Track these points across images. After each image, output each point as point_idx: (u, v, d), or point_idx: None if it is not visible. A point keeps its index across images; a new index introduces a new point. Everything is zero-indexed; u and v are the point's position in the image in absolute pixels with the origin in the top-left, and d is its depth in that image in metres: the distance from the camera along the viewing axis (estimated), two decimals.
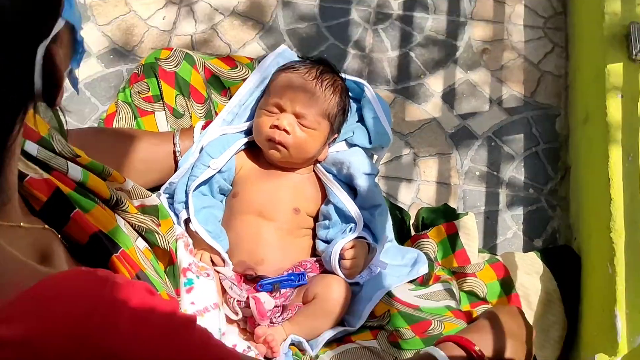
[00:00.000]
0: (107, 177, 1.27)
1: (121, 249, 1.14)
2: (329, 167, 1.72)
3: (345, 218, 1.66)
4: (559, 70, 2.29)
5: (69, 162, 1.19)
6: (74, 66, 0.94)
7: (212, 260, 1.60)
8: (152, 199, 1.39)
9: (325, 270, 1.65)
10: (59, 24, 0.85)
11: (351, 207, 1.65)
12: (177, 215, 1.64)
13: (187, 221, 1.63)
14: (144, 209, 1.35)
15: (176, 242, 1.45)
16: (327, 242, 1.66)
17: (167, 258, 1.34)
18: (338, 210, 1.66)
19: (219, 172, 1.68)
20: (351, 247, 1.61)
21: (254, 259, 1.61)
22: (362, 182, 1.67)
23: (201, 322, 1.34)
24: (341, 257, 1.61)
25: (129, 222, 1.25)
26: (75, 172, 1.19)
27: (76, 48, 0.93)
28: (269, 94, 1.69)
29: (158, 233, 1.30)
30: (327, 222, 1.66)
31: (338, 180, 1.70)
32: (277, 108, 1.65)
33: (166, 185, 1.70)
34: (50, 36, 0.83)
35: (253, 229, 1.64)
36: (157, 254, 1.30)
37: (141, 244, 1.25)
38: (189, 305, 1.39)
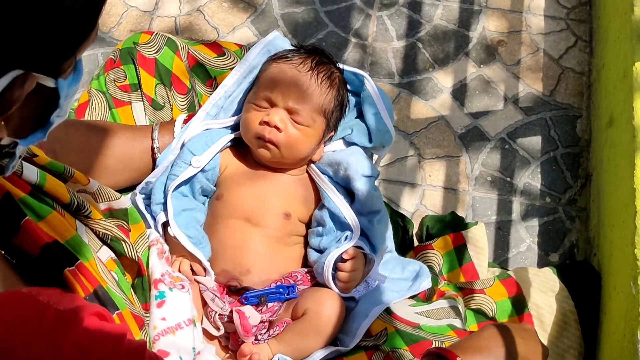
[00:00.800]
0: (68, 178, 1.25)
1: (78, 262, 1.11)
2: (324, 168, 1.70)
3: (341, 225, 1.64)
4: (582, 67, 2.28)
5: (24, 162, 1.17)
6: (23, 143, 0.89)
7: (192, 269, 1.58)
8: (122, 202, 1.37)
9: (318, 282, 1.63)
10: (48, 80, 0.83)
11: (347, 213, 1.63)
12: (154, 219, 1.63)
13: (165, 225, 1.61)
14: (111, 213, 1.33)
15: (148, 250, 1.44)
16: (320, 251, 1.65)
17: (136, 269, 1.33)
18: (333, 216, 1.64)
19: (202, 171, 1.67)
20: (350, 259, 1.59)
21: (239, 269, 1.60)
22: (360, 186, 1.66)
23: (173, 340, 1.32)
24: (336, 268, 1.59)
25: (92, 230, 1.23)
26: (31, 173, 1.17)
27: (40, 123, 0.89)
28: (258, 86, 1.67)
29: (125, 241, 1.28)
30: (320, 228, 1.65)
31: (334, 182, 1.68)
32: (267, 102, 1.64)
33: (142, 184, 1.69)
34: (32, 73, 0.80)
35: (238, 235, 1.62)
36: (124, 264, 1.28)
37: (105, 254, 1.24)
38: (159, 321, 1.37)
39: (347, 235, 1.63)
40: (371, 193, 1.67)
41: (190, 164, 1.65)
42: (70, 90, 0.89)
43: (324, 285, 1.61)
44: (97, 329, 0.83)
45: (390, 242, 1.72)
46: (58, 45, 0.81)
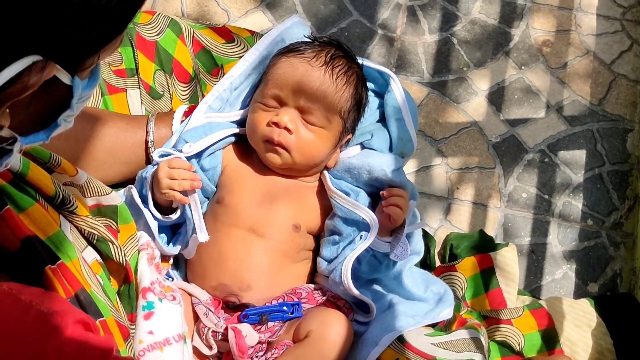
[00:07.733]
0: (54, 168, 1.26)
1: (59, 261, 1.12)
2: (341, 174, 1.71)
3: (357, 227, 1.65)
4: (637, 74, 2.27)
5: None
6: (23, 140, 0.92)
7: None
8: (111, 198, 1.37)
9: (324, 301, 1.64)
10: (65, 75, 0.87)
11: (364, 213, 1.63)
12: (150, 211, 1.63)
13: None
14: (99, 210, 1.33)
15: (137, 254, 1.45)
16: (331, 260, 1.66)
17: (123, 274, 1.34)
18: (347, 221, 1.65)
19: (202, 170, 1.67)
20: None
21: (239, 284, 1.61)
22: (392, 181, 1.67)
23: (160, 357, 1.34)
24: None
25: (77, 227, 1.24)
26: (14, 160, 1.17)
27: (46, 123, 0.92)
28: (266, 83, 1.68)
29: (113, 243, 1.29)
30: (336, 237, 1.66)
31: (357, 186, 1.69)
32: (276, 101, 1.65)
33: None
34: (53, 62, 0.84)
35: (241, 246, 1.63)
36: (110, 269, 1.29)
37: (90, 255, 1.25)
38: (146, 335, 1.38)
39: (362, 235, 1.64)
40: (405, 185, 1.68)
41: (181, 151, 1.64)
42: (84, 93, 0.93)
43: (334, 301, 1.63)
44: (82, 340, 0.85)
45: (419, 238, 1.71)
46: (85, 39, 0.85)
